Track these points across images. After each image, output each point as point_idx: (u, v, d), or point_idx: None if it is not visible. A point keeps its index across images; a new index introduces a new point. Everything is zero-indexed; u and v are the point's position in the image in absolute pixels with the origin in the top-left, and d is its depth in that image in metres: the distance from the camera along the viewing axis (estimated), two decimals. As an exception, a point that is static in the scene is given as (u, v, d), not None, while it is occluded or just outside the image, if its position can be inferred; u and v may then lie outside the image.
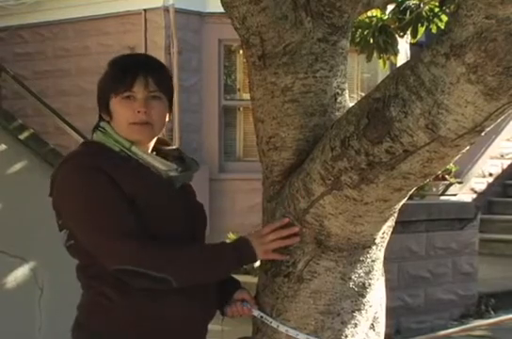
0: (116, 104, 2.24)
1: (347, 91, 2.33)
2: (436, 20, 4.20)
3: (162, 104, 2.27)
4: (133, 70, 2.24)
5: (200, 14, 8.84)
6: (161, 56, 8.07)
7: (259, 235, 2.24)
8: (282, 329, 2.22)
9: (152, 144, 2.32)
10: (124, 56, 2.34)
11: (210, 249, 2.25)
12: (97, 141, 2.28)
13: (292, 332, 2.20)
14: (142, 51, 8.20)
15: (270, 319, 2.23)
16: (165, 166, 2.27)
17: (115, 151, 2.24)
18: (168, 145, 2.41)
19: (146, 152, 2.28)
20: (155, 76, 2.25)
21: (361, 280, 2.25)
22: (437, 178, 9.32)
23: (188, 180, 2.37)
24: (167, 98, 2.29)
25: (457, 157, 2.05)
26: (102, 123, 2.29)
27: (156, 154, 2.32)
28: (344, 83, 2.30)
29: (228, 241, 2.34)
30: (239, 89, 9.14)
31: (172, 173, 2.28)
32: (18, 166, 4.76)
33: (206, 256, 2.22)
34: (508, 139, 11.29)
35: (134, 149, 2.24)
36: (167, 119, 2.32)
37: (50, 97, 8.45)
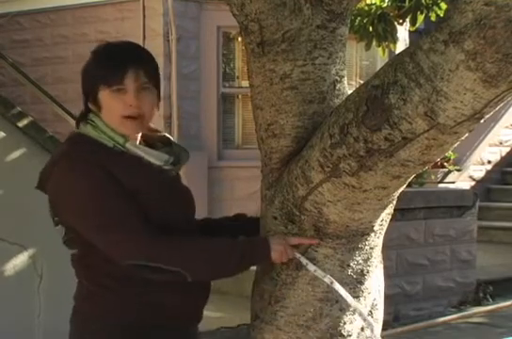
0: (106, 97, 2.21)
1: (346, 79, 2.33)
2: (435, 8, 4.19)
3: (152, 95, 2.26)
4: (123, 62, 2.20)
5: (199, 1, 8.80)
6: (159, 44, 8.04)
7: (280, 237, 2.22)
8: (311, 268, 2.20)
9: (140, 133, 2.31)
10: (111, 46, 2.28)
11: (224, 241, 2.23)
12: (86, 135, 2.24)
13: (319, 274, 2.19)
14: (140, 38, 8.16)
15: (306, 261, 2.21)
16: (158, 160, 2.26)
17: (108, 146, 2.22)
18: (156, 132, 2.40)
19: (138, 146, 2.26)
20: (146, 68, 2.23)
21: (360, 267, 2.26)
22: (435, 165, 9.33)
23: (179, 170, 2.37)
24: (156, 87, 2.28)
25: (456, 145, 2.05)
26: (91, 116, 2.25)
27: (144, 141, 2.31)
28: (342, 70, 2.30)
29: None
30: (238, 77, 9.10)
31: (167, 167, 2.28)
32: (17, 153, 4.75)
33: (219, 247, 2.20)
34: (507, 127, 11.28)
35: (128, 145, 2.23)
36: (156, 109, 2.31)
37: (48, 84, 8.42)
